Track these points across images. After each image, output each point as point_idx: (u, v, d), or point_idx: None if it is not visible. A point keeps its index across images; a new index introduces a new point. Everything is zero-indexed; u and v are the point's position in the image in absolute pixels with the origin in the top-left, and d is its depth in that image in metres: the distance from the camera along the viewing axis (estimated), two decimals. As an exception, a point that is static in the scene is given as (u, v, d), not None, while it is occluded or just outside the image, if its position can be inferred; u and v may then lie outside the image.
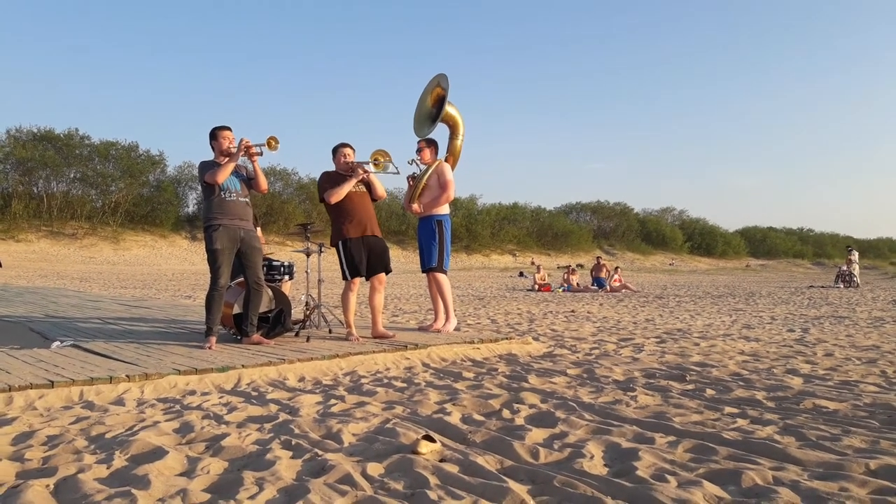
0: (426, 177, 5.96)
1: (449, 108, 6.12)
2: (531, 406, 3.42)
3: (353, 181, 5.34)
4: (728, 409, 3.38)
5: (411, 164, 6.08)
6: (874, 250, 77.06)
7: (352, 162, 5.44)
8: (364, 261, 5.32)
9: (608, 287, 17.56)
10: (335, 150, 5.51)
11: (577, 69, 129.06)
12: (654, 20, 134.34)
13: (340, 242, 5.33)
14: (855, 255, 22.51)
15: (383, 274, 5.48)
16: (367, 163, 5.45)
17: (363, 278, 5.40)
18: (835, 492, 2.18)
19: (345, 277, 5.37)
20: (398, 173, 5.72)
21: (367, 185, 5.51)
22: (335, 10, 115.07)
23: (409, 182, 6.15)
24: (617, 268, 18.94)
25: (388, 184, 35.26)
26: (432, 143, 6.13)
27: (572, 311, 10.24)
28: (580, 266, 34.97)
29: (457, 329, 6.31)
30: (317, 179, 5.63)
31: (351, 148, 5.52)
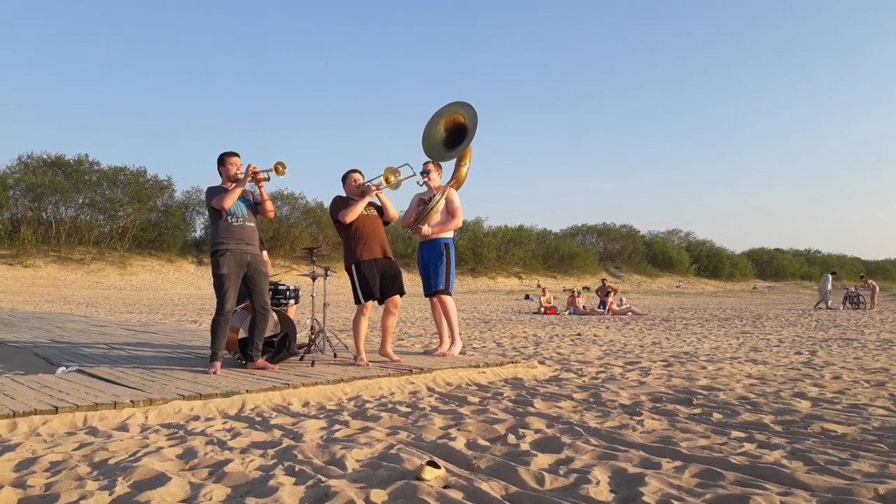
0: (438, 203, 5.98)
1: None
2: (537, 431, 3.40)
3: (367, 199, 5.40)
4: (735, 434, 3.36)
5: (421, 186, 6.13)
6: (882, 271, 76.44)
7: (362, 184, 5.50)
8: (377, 283, 5.30)
9: (610, 310, 17.43)
10: (345, 178, 5.56)
11: (582, 90, 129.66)
12: (659, 40, 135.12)
13: (353, 265, 5.31)
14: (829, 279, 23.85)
15: (398, 297, 5.48)
16: (379, 181, 5.49)
17: (376, 302, 5.39)
18: (844, 518, 2.15)
19: (357, 301, 5.34)
20: (413, 174, 5.83)
21: (378, 208, 5.56)
22: (347, 28, 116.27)
23: (417, 204, 6.17)
24: (610, 291, 18.44)
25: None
26: (439, 166, 6.19)
27: (578, 335, 10.19)
28: (586, 289, 34.83)
29: (462, 353, 6.28)
30: (324, 203, 5.71)
31: (360, 173, 5.58)
